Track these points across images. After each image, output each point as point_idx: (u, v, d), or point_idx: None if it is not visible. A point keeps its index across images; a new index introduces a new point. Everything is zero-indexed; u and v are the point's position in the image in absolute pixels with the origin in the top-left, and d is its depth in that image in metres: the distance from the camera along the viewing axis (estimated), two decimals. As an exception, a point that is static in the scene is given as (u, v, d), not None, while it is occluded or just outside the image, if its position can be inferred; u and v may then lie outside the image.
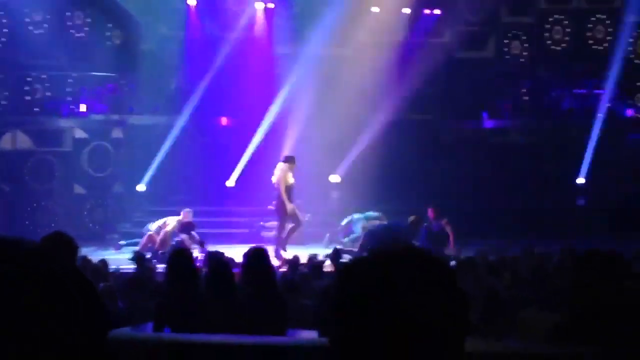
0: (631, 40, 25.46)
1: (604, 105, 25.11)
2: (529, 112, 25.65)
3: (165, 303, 7.05)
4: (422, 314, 1.90)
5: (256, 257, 7.60)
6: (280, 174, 19.05)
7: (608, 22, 25.68)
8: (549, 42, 25.82)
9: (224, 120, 25.91)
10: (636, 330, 4.59)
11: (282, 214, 19.11)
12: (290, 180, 19.11)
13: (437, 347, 1.90)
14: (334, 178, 25.25)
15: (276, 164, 19.21)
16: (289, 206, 18.95)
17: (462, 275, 11.12)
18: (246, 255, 7.64)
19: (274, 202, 19.51)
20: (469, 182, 24.37)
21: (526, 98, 25.90)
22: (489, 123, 25.78)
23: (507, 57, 25.91)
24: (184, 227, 20.19)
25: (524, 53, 25.91)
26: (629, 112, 25.82)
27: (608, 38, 25.59)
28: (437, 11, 25.97)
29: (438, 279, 1.95)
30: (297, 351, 4.02)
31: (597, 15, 25.76)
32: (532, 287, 9.56)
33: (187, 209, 20.85)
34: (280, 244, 18.85)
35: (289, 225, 19.31)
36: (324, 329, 5.21)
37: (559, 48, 25.81)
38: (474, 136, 25.69)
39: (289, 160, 19.42)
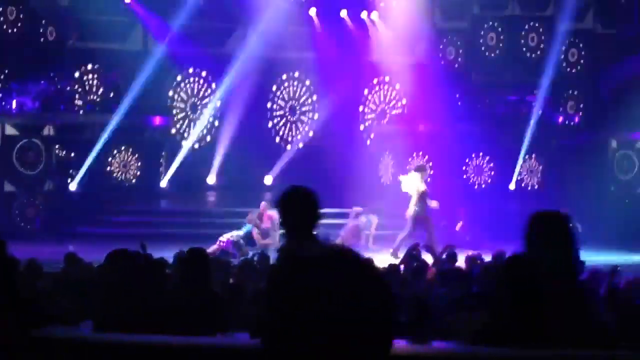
0: (563, 48, 25.81)
1: (536, 111, 25.46)
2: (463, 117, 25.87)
3: (106, 302, 7.00)
4: (348, 316, 1.92)
5: (194, 257, 7.59)
6: (413, 182, 19.53)
7: (541, 29, 26.01)
8: (483, 48, 26.08)
9: (157, 120, 25.74)
10: (558, 330, 4.69)
11: (418, 222, 19.36)
12: (422, 187, 19.49)
13: (363, 350, 1.93)
14: (268, 179, 25.44)
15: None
16: (418, 211, 19.34)
17: (389, 278, 11.23)
18: (184, 256, 7.62)
19: (415, 209, 19.50)
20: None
21: (459, 103, 26.13)
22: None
23: (442, 62, 26.12)
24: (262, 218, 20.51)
25: (459, 59, 26.15)
26: (560, 119, 26.21)
27: (541, 45, 25.92)
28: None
29: (365, 281, 1.98)
30: (230, 353, 4.04)
31: (531, 23, 26.08)
32: (460, 289, 9.65)
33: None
34: (432, 243, 18.98)
35: (428, 229, 19.44)
36: (255, 330, 5.24)
37: (492, 54, 26.10)
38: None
39: (419, 169, 19.95)
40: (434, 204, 19.83)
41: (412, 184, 19.61)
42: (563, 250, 4.73)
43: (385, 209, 22.72)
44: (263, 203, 21.06)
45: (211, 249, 19.46)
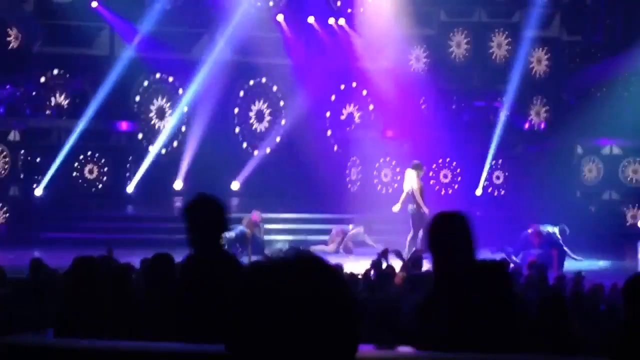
0: (530, 54, 25.99)
1: (502, 118, 25.62)
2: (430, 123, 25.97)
3: (67, 309, 6.96)
4: (311, 323, 1.92)
5: (159, 262, 7.57)
6: (411, 180, 19.64)
7: (507, 36, 26.18)
8: (450, 54, 26.21)
9: (124, 125, 25.63)
10: (526, 333, 4.71)
11: (416, 220, 19.36)
12: (417, 185, 19.66)
13: (327, 356, 1.92)
14: (235, 185, 25.44)
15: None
16: (415, 210, 19.45)
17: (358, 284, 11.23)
18: (149, 261, 7.60)
19: (410, 207, 19.61)
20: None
21: (426, 109, 26.24)
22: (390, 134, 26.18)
23: (410, 68, 26.19)
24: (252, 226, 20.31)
25: (426, 65, 26.24)
26: (526, 125, 26.38)
27: (507, 52, 26.09)
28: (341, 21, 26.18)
29: (329, 289, 1.97)
30: (195, 358, 4.02)
31: (497, 29, 26.25)
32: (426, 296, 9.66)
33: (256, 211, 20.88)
34: (413, 244, 19.14)
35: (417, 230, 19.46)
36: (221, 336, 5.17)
37: (459, 61, 26.23)
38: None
39: (416, 167, 19.93)
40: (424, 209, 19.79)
41: (408, 181, 19.68)
42: (461, 249, 4.74)
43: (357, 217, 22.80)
44: (255, 212, 20.97)
45: None
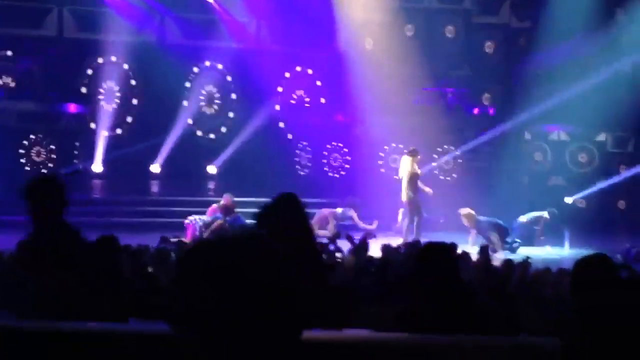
0: (479, 40, 26.13)
1: (453, 103, 25.75)
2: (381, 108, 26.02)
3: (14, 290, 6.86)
4: (257, 303, 1.90)
5: (102, 244, 7.51)
6: (405, 167, 19.70)
7: (457, 22, 26.26)
8: (400, 39, 26.21)
9: (72, 107, 25.37)
10: (473, 316, 4.73)
11: (413, 206, 19.65)
12: (415, 171, 19.75)
13: (270, 336, 1.90)
14: (211, 169, 25.47)
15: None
16: (412, 196, 19.60)
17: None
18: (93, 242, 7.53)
19: (408, 194, 19.73)
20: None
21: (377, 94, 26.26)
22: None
23: (360, 53, 26.19)
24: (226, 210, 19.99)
25: (376, 50, 26.23)
26: (476, 110, 26.52)
27: (457, 38, 26.17)
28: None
29: (274, 268, 1.95)
30: (141, 339, 3.97)
31: (447, 15, 26.32)
32: (376, 278, 9.68)
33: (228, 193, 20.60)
34: (408, 230, 19.46)
35: (415, 216, 19.61)
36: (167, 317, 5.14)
37: (410, 46, 26.23)
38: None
39: (412, 152, 19.97)
40: (426, 189, 19.97)
41: (404, 167, 19.70)
42: None
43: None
44: (226, 195, 20.79)
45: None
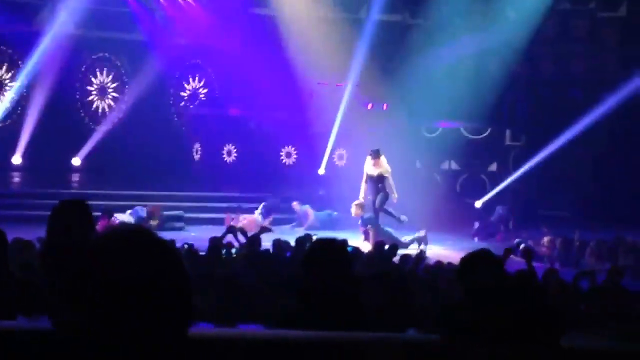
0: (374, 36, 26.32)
1: (346, 98, 25.90)
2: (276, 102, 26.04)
3: None
4: (143, 299, 1.88)
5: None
6: (365, 166, 19.79)
7: (352, 17, 26.44)
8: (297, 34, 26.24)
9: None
10: (361, 312, 4.77)
11: (382, 200, 19.57)
12: (370, 171, 19.64)
13: (158, 330, 1.89)
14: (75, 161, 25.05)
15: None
16: (361, 196, 19.69)
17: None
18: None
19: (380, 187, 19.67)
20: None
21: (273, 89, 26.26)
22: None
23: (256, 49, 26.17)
24: None
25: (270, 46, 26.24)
26: (369, 106, 26.71)
27: (350, 33, 26.28)
28: None
29: (161, 262, 1.94)
30: (24, 335, 3.89)
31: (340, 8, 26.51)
32: (266, 272, 9.70)
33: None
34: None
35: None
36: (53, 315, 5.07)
37: (306, 41, 26.27)
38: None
39: (371, 153, 19.86)
40: (394, 195, 19.90)
41: (384, 167, 19.67)
42: None
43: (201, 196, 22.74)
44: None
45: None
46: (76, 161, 25.09)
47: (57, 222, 5.78)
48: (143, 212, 20.06)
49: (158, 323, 1.88)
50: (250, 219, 21.17)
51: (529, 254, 11.62)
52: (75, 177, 24.40)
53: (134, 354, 1.86)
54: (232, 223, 20.39)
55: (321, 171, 26.04)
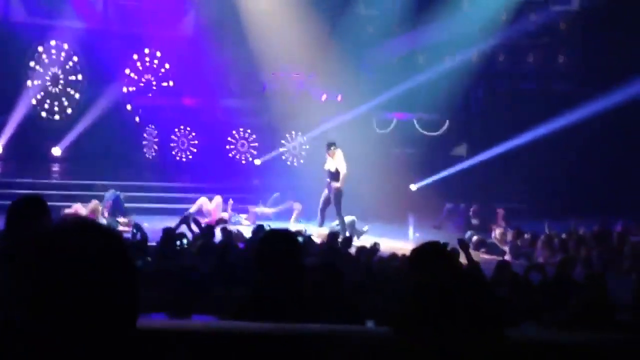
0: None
1: (303, 89, 25.91)
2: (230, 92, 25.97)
3: None
4: (90, 290, 1.87)
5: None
6: (342, 160, 19.70)
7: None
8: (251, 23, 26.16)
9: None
10: (313, 303, 4.78)
11: (337, 196, 19.59)
12: (327, 166, 19.71)
13: (103, 324, 1.88)
14: (56, 151, 24.89)
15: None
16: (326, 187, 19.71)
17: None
18: None
19: (334, 184, 19.65)
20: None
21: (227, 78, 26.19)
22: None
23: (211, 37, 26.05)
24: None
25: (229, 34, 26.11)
26: (323, 97, 26.69)
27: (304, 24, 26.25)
28: None
29: (109, 253, 1.93)
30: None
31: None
32: (217, 263, 9.69)
33: None
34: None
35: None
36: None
37: (260, 30, 26.22)
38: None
39: (326, 146, 19.92)
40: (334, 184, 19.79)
41: (339, 161, 19.62)
42: None
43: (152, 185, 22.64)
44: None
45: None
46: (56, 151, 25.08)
47: (13, 218, 5.73)
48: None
49: (103, 316, 1.87)
50: (217, 202, 21.01)
51: (465, 246, 11.39)
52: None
53: (79, 349, 1.85)
54: (200, 202, 20.43)
55: (257, 162, 26.05)
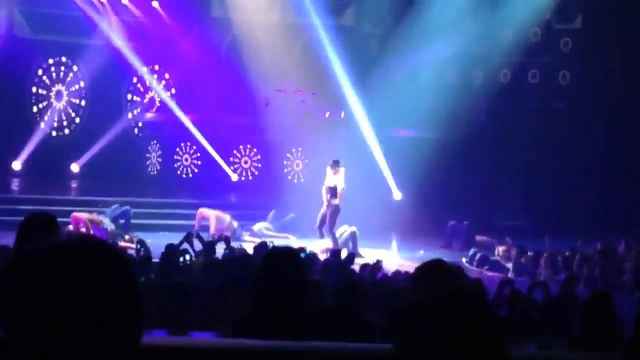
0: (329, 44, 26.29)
1: (304, 106, 25.93)
2: (232, 108, 25.98)
3: None
4: (92, 308, 1.86)
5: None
6: (342, 178, 19.84)
7: (304, 23, 26.46)
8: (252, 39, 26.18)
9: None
10: (316, 318, 4.77)
11: (334, 213, 19.68)
12: (328, 182, 19.78)
13: (106, 341, 1.87)
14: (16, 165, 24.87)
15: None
16: (325, 204, 19.73)
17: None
18: None
19: (333, 201, 19.74)
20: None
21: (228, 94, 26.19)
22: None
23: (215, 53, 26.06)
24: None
25: (230, 50, 26.13)
26: (327, 114, 26.64)
27: (306, 39, 26.21)
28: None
29: (111, 271, 1.92)
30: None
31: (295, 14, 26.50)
32: (219, 279, 9.68)
33: None
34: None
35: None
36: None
37: (261, 46, 26.24)
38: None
39: (330, 164, 19.95)
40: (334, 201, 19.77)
41: (340, 178, 19.72)
42: None
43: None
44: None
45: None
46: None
47: (24, 234, 5.72)
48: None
49: (106, 334, 1.86)
50: (216, 214, 20.86)
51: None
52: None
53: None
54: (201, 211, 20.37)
55: (234, 177, 25.99)
